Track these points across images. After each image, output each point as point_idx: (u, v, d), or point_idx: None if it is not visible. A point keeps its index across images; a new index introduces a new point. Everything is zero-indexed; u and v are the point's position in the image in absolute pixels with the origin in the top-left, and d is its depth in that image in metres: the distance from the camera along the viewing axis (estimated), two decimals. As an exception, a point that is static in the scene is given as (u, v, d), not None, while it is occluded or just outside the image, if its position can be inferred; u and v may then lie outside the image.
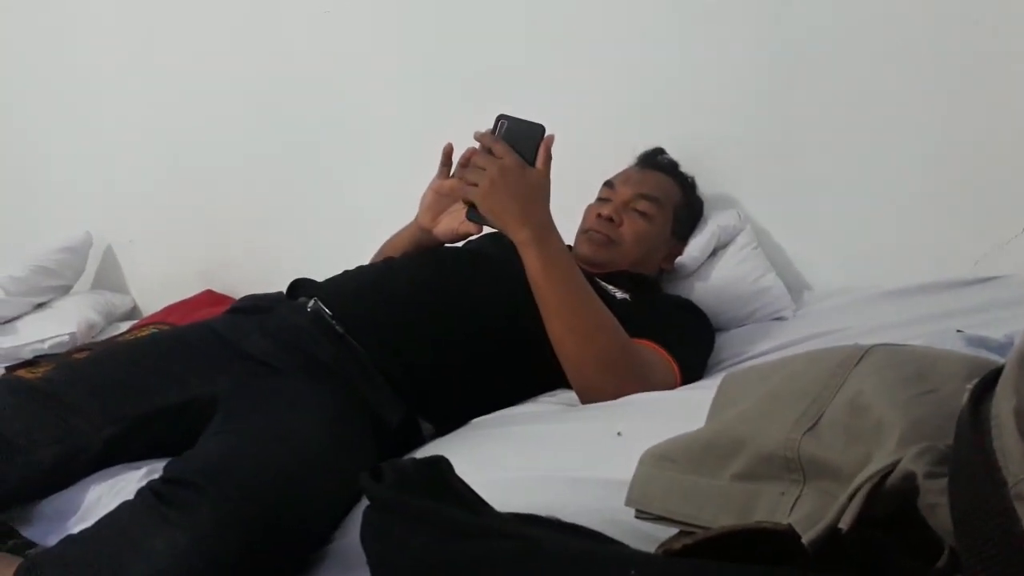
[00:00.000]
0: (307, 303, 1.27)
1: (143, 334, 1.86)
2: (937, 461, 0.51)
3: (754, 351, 1.39)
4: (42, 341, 1.93)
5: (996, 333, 1.10)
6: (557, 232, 1.19)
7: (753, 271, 1.59)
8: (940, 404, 0.57)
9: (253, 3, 2.06)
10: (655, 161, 1.60)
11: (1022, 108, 1.51)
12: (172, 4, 2.15)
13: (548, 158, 1.17)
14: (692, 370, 1.26)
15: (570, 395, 1.22)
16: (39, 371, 1.67)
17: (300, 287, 1.37)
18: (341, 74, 2.00)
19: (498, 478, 0.89)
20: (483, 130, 1.19)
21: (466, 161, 1.22)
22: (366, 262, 1.49)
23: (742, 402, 0.71)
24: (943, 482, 0.49)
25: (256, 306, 1.34)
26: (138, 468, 1.13)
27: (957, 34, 1.52)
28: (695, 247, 1.57)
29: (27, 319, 2.03)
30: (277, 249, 2.15)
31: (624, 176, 1.54)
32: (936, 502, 0.49)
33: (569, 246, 1.32)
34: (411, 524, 0.56)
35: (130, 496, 0.95)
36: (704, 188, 1.64)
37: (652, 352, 1.22)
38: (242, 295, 1.59)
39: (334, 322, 1.23)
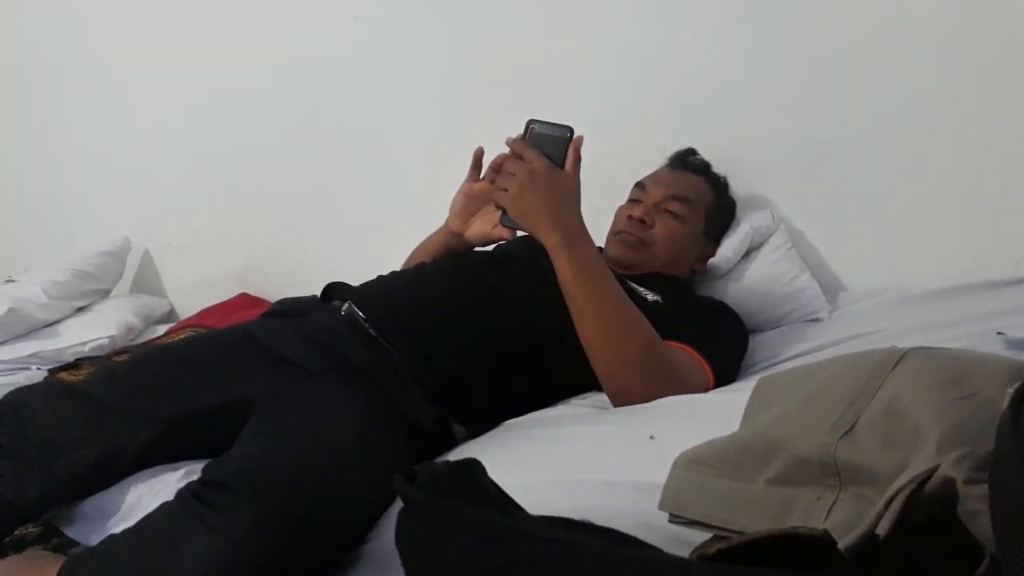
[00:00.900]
0: (341, 306, 1.28)
1: (180, 337, 1.90)
2: (977, 467, 0.50)
3: (789, 353, 1.38)
4: (83, 344, 1.96)
5: (1038, 335, 1.08)
6: (588, 235, 1.19)
7: (787, 272, 1.58)
8: (979, 408, 0.57)
9: (285, 11, 2.09)
10: (687, 162, 1.59)
11: (1063, 105, 1.48)
12: (206, 12, 2.18)
13: (577, 160, 1.17)
14: (725, 373, 1.26)
15: (602, 398, 1.22)
16: (80, 373, 1.71)
17: (334, 291, 1.38)
18: (371, 80, 2.02)
19: (531, 480, 0.89)
20: (514, 135, 1.19)
21: (498, 167, 1.22)
22: (396, 265, 1.50)
23: (777, 406, 0.70)
24: (984, 488, 0.48)
25: (291, 309, 1.35)
26: (176, 469, 1.15)
27: (996, 30, 1.49)
28: (728, 248, 1.56)
29: (68, 322, 2.06)
30: (309, 253, 2.17)
31: (655, 177, 1.53)
32: (977, 508, 0.48)
33: (600, 248, 1.31)
34: (446, 526, 0.57)
35: (169, 497, 0.97)
36: (737, 188, 1.62)
37: (685, 354, 1.22)
38: (276, 298, 1.62)
39: (367, 325, 1.23)
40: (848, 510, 0.57)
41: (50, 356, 1.93)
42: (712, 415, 0.89)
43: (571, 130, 1.17)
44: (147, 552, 0.90)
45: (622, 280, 1.27)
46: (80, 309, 2.15)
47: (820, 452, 0.60)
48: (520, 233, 1.24)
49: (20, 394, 1.20)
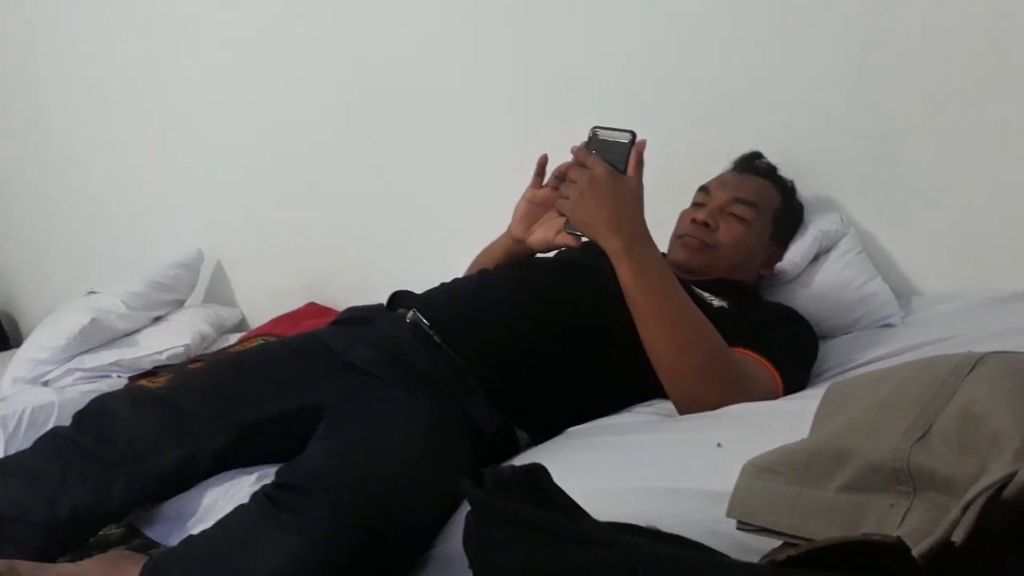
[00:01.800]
0: (406, 314, 1.30)
1: (252, 345, 1.95)
2: (1059, 473, 0.48)
3: (860, 360, 1.35)
4: (160, 353, 2.04)
5: (1124, 340, 1.04)
6: (651, 240, 1.18)
7: (858, 276, 1.54)
8: (1061, 414, 0.55)
9: (346, 28, 2.13)
10: (752, 165, 1.57)
11: None
12: (269, 32, 2.25)
13: (639, 164, 1.16)
14: (794, 380, 1.23)
15: (666, 405, 1.21)
16: (158, 381, 1.77)
17: (400, 299, 1.40)
18: (430, 91, 2.04)
19: (596, 486, 0.89)
20: (576, 143, 1.19)
21: (562, 174, 1.23)
22: (459, 272, 1.52)
23: (847, 412, 0.69)
24: (1065, 495, 0.46)
25: (359, 317, 1.38)
26: (250, 473, 1.19)
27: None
28: (796, 252, 1.54)
29: (146, 332, 2.15)
30: (375, 262, 2.21)
31: (720, 180, 1.52)
32: (1058, 516, 0.47)
33: (664, 254, 1.31)
34: (514, 529, 0.57)
35: (244, 499, 1.00)
36: (804, 192, 1.59)
37: (752, 362, 1.20)
38: (343, 307, 1.65)
39: (432, 332, 1.25)
40: (922, 517, 0.56)
41: (129, 364, 2.01)
42: (779, 423, 0.87)
43: (633, 135, 1.17)
44: (223, 553, 0.93)
45: (687, 286, 1.25)
46: (156, 319, 2.22)
47: (893, 458, 0.59)
48: (584, 240, 1.24)
49: (104, 399, 1.25)
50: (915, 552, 0.49)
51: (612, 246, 1.16)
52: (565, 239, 1.25)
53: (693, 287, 1.33)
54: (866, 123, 1.60)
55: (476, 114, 2.01)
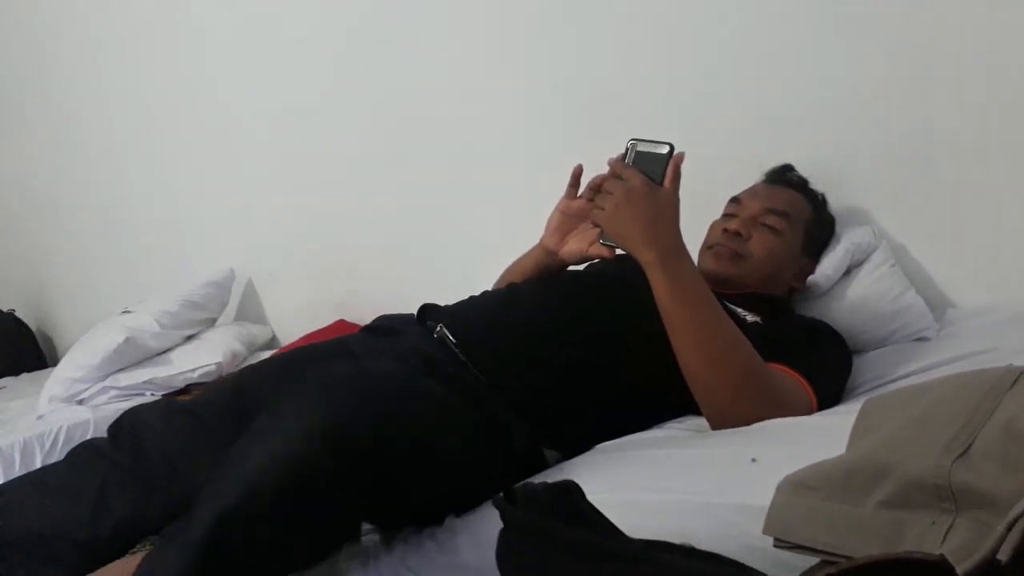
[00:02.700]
0: (434, 328, 1.30)
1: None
2: (1108, 490, 0.47)
3: (895, 374, 1.33)
4: (192, 370, 2.07)
5: None
6: (687, 253, 1.17)
7: (891, 289, 1.52)
8: (1108, 429, 0.54)
9: (375, 46, 2.16)
10: (784, 177, 1.56)
11: None
12: (301, 51, 2.28)
13: (676, 176, 1.16)
14: (829, 395, 1.22)
15: (699, 421, 1.20)
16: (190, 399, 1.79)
17: (429, 311, 1.40)
18: (459, 108, 2.06)
19: (629, 500, 0.88)
20: (613, 156, 1.19)
21: (597, 186, 1.22)
22: (489, 286, 1.52)
23: (885, 428, 0.68)
24: (1115, 512, 0.45)
25: (388, 327, 1.38)
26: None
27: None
28: (828, 265, 1.52)
29: (179, 350, 2.18)
30: (405, 278, 2.22)
31: (752, 191, 1.51)
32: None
33: (697, 266, 1.29)
34: (548, 546, 0.57)
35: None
36: (835, 203, 1.58)
37: (787, 377, 1.18)
38: (374, 322, 1.65)
39: (458, 351, 1.25)
40: (965, 535, 0.55)
41: (163, 382, 2.03)
42: (814, 438, 0.86)
43: (671, 146, 1.16)
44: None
45: (720, 301, 1.25)
46: (189, 337, 2.25)
47: (934, 475, 0.58)
48: (619, 252, 1.23)
49: (139, 411, 1.26)
50: (959, 571, 0.48)
51: (647, 258, 1.15)
52: (599, 250, 1.25)
53: (726, 303, 1.32)
54: (899, 136, 1.58)
55: (509, 129, 2.00)
